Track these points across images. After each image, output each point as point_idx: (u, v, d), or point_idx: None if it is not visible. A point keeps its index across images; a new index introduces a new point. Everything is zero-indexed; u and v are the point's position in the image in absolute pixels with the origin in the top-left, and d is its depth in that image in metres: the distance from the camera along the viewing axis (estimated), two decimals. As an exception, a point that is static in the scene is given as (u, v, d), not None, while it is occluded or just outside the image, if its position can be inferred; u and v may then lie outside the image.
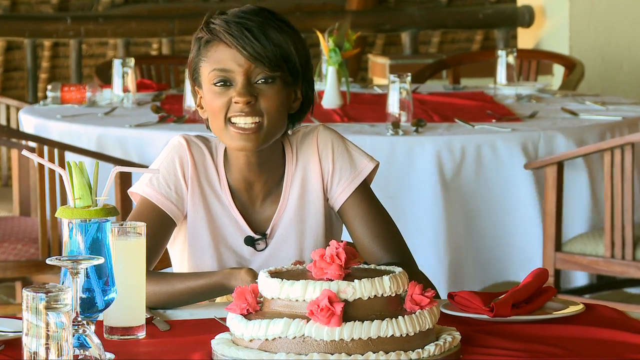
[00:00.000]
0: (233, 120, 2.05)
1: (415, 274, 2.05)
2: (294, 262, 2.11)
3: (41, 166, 3.54)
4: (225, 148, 2.13)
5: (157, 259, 2.09)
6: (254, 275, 1.94)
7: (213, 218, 2.11)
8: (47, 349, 1.54)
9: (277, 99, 2.05)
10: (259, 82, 2.04)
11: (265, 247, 2.12)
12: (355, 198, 2.12)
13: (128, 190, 2.14)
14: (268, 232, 2.12)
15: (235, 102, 2.04)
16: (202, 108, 2.11)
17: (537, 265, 3.60)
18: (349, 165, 2.13)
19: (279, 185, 2.13)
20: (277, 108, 2.06)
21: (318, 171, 2.13)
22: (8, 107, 4.57)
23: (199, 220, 2.11)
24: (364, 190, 2.13)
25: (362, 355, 1.67)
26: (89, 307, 1.71)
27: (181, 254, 2.16)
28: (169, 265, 2.22)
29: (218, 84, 2.04)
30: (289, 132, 2.15)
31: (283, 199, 2.12)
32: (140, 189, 2.11)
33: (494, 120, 3.83)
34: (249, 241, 2.12)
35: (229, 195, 2.12)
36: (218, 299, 2.08)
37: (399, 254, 2.10)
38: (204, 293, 2.01)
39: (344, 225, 2.17)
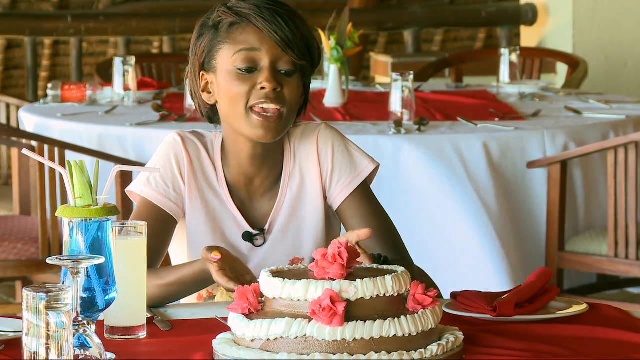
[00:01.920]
0: (255, 107, 2.03)
1: (414, 277, 2.04)
2: (291, 259, 2.10)
3: (41, 165, 3.53)
4: (223, 143, 2.12)
5: (161, 258, 2.09)
6: (205, 253, 1.89)
7: (211, 214, 2.10)
8: (48, 349, 1.53)
9: (297, 90, 2.05)
10: (282, 72, 2.04)
11: (264, 243, 2.11)
12: (354, 198, 2.11)
13: (126, 189, 2.13)
14: (266, 227, 2.11)
15: (262, 88, 2.02)
16: (209, 93, 2.09)
17: (541, 264, 3.59)
18: (349, 165, 2.12)
19: (277, 181, 2.12)
20: (296, 100, 2.06)
21: (317, 170, 2.12)
22: (8, 106, 4.56)
23: (197, 216, 2.11)
24: (364, 191, 2.12)
25: (365, 355, 1.66)
26: (89, 306, 1.71)
27: (180, 251, 2.15)
28: (170, 264, 2.21)
29: (242, 68, 2.03)
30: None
31: (281, 194, 2.11)
32: (138, 189, 2.10)
33: (497, 119, 3.82)
34: (247, 236, 2.11)
35: (227, 191, 2.11)
36: (217, 298, 2.07)
37: (398, 254, 2.09)
38: (193, 281, 1.98)
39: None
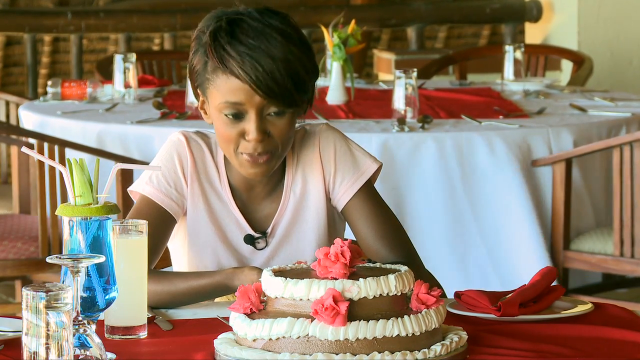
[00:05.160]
0: (245, 154, 2.02)
1: (421, 273, 2.03)
2: (294, 262, 2.08)
3: (41, 163, 3.52)
4: None
5: (158, 257, 2.07)
6: (258, 272, 1.91)
7: (213, 215, 2.09)
8: (47, 348, 1.52)
9: (289, 128, 2.03)
10: (271, 114, 2.01)
11: (266, 246, 2.10)
12: (359, 198, 2.10)
13: (128, 189, 2.12)
14: (269, 230, 2.10)
15: (248, 140, 2.00)
16: (205, 113, 2.08)
17: (544, 262, 3.57)
18: (352, 166, 2.10)
19: (279, 183, 2.11)
20: (289, 135, 2.03)
21: (319, 171, 2.11)
22: (7, 103, 4.54)
23: (199, 217, 2.09)
24: (368, 191, 2.11)
25: (367, 355, 1.65)
26: (89, 306, 1.70)
27: (181, 251, 2.14)
28: (170, 264, 2.19)
29: (229, 116, 2.00)
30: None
31: (284, 198, 2.10)
32: (139, 187, 2.09)
33: (501, 117, 3.81)
34: (249, 239, 2.09)
35: (229, 193, 2.10)
36: (218, 298, 2.05)
37: (405, 253, 2.08)
38: (207, 293, 1.98)
39: (347, 226, 2.15)
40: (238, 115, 2.00)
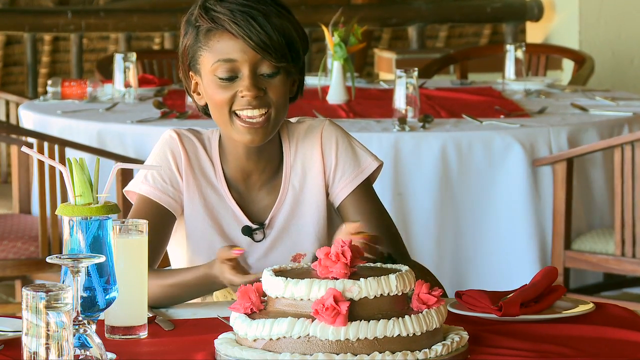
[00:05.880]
0: (239, 113, 2.02)
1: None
2: (293, 255, 2.08)
3: (41, 163, 3.52)
4: (220, 138, 2.10)
5: (161, 256, 2.08)
6: (224, 251, 1.88)
7: (209, 209, 2.09)
8: (47, 348, 1.52)
9: (282, 90, 2.03)
10: (264, 75, 2.02)
11: (264, 238, 2.10)
12: (357, 195, 2.10)
13: (124, 190, 2.11)
14: (266, 222, 2.10)
15: (243, 97, 2.01)
16: (198, 94, 2.08)
17: (544, 262, 3.57)
18: (352, 162, 2.10)
19: (276, 174, 2.11)
20: (283, 98, 2.05)
21: (320, 165, 2.11)
22: (7, 103, 4.54)
23: (195, 212, 2.09)
24: (366, 188, 2.11)
25: (368, 355, 1.65)
26: (89, 306, 1.70)
27: (179, 251, 2.14)
28: (169, 264, 2.19)
29: (223, 78, 2.01)
30: (293, 121, 2.13)
31: (283, 189, 2.10)
32: (136, 187, 2.09)
33: (502, 116, 3.80)
34: (247, 231, 2.09)
35: (225, 186, 2.10)
36: (218, 298, 2.05)
37: (397, 254, 2.07)
38: (196, 285, 1.97)
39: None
40: (231, 78, 2.01)
